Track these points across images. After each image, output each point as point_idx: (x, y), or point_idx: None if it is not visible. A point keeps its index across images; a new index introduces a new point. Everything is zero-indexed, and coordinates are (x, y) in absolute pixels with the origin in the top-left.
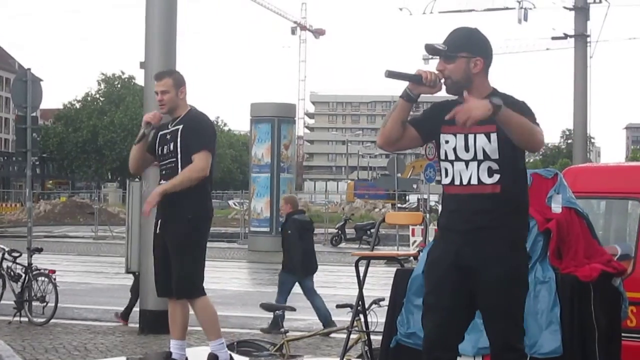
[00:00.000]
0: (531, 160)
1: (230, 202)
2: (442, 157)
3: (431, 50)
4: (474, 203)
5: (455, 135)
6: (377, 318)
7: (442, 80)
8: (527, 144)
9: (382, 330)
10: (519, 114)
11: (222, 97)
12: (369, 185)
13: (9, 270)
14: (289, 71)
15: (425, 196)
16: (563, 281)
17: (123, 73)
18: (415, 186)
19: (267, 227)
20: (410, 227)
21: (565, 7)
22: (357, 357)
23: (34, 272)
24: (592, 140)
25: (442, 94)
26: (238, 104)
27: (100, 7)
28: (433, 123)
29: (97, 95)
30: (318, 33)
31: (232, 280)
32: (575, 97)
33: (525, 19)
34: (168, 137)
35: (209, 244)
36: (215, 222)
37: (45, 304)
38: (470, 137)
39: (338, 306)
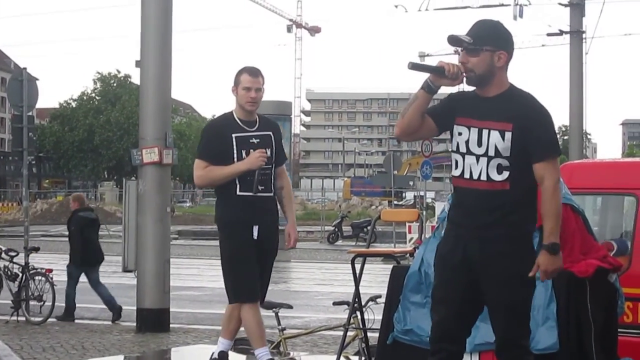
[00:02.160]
0: None
1: None
2: (454, 148)
3: (455, 41)
4: (482, 199)
5: (469, 129)
6: (374, 315)
7: (464, 73)
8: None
9: (379, 327)
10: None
11: (218, 95)
12: (366, 183)
13: (6, 270)
14: (285, 69)
15: (422, 193)
16: (559, 277)
17: (119, 72)
18: (411, 183)
19: None
20: (407, 224)
21: (560, 4)
22: (354, 354)
23: (31, 272)
24: (589, 137)
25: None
26: (234, 102)
27: (96, 6)
28: (449, 114)
29: (93, 94)
30: (314, 31)
31: None
32: (571, 94)
33: (521, 16)
34: (255, 141)
35: (203, 242)
36: (212, 220)
37: (42, 303)
38: (485, 132)
39: (335, 303)
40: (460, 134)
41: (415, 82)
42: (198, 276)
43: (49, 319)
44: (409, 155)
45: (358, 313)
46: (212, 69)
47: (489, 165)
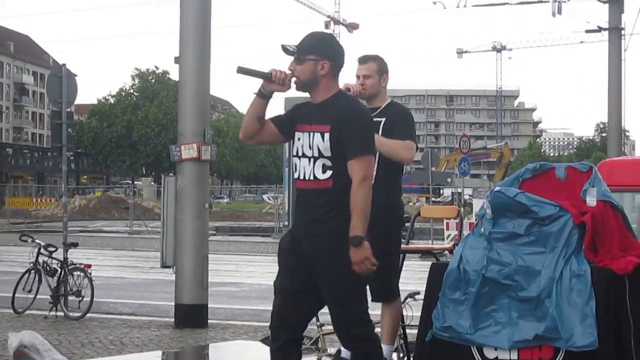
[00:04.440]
0: (566, 153)
1: (265, 197)
2: (295, 153)
3: (284, 50)
4: (311, 197)
5: (303, 133)
6: (413, 312)
7: (293, 80)
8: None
9: (417, 324)
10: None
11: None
12: (403, 179)
13: (45, 265)
14: None
15: (460, 190)
16: (598, 274)
17: (157, 68)
18: (449, 180)
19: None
20: (445, 221)
21: (599, 0)
22: (393, 351)
23: (70, 267)
24: (627, 134)
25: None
26: (273, 99)
27: (135, 3)
28: (291, 121)
29: (132, 91)
30: (352, 27)
31: (267, 274)
32: (610, 90)
33: (560, 12)
34: None
35: (240, 238)
36: (250, 216)
37: (81, 298)
38: (311, 135)
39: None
40: (299, 139)
41: (452, 79)
42: (236, 272)
43: (88, 314)
44: (446, 151)
45: None
46: (250, 66)
47: (315, 165)
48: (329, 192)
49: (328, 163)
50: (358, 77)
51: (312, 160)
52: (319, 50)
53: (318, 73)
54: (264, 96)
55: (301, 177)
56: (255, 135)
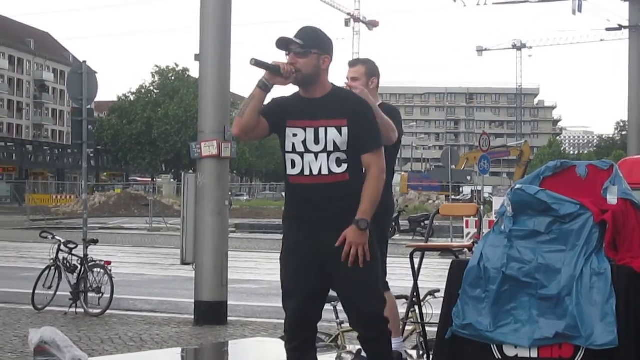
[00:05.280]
0: (585, 152)
1: (284, 194)
2: (289, 149)
3: (285, 43)
4: (327, 191)
5: (304, 129)
6: (432, 309)
7: (295, 73)
8: None
9: (437, 321)
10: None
11: (276, 89)
12: (423, 177)
13: (65, 262)
14: (343, 63)
15: (479, 188)
16: (619, 273)
17: (177, 65)
18: (469, 178)
19: None
20: (464, 219)
21: None
22: (412, 349)
23: (90, 264)
24: None
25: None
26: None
27: (155, 0)
28: (279, 116)
29: (152, 88)
30: (372, 25)
31: None
32: (630, 89)
33: (580, 10)
34: None
35: (260, 236)
36: (269, 213)
37: (100, 295)
38: (322, 130)
39: None
40: (295, 135)
41: (472, 77)
42: (255, 269)
43: (107, 311)
44: (466, 149)
45: (416, 307)
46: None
47: (329, 160)
48: (347, 185)
49: (343, 157)
50: (347, 79)
51: (322, 155)
52: (321, 45)
53: (320, 67)
54: (267, 89)
55: (307, 173)
56: (252, 131)
